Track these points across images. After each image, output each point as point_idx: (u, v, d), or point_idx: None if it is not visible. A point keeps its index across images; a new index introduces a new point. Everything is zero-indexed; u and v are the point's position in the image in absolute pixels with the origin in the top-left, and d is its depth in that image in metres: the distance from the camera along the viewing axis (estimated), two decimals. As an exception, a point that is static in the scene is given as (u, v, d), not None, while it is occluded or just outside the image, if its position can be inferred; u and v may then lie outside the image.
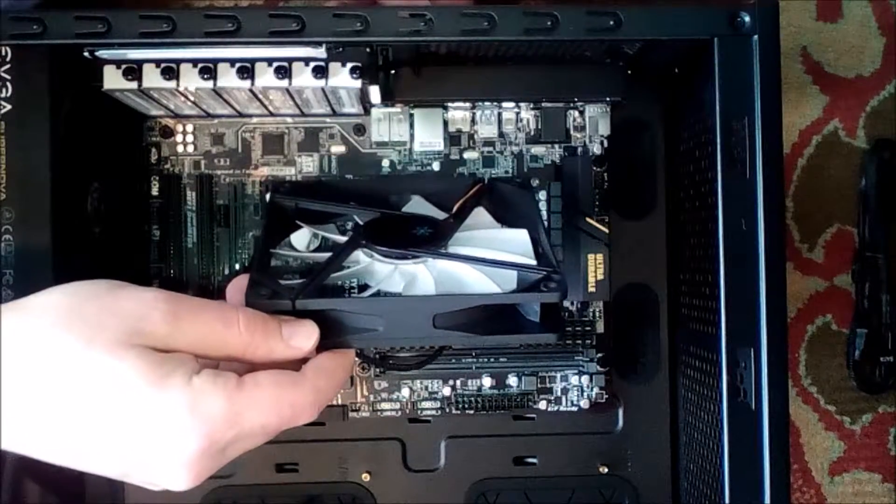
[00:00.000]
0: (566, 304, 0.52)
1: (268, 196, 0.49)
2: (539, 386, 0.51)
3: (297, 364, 0.37)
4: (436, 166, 0.51)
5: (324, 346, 0.37)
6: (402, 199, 0.49)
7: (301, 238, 0.47)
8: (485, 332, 0.39)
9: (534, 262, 0.42)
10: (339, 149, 0.51)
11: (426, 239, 0.43)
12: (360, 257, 0.43)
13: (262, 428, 0.35)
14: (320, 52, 0.41)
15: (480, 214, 0.47)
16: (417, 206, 0.48)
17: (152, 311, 0.33)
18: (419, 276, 0.42)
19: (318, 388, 0.36)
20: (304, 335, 0.37)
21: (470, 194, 0.47)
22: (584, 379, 0.52)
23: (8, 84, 0.41)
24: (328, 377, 0.37)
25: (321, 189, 0.49)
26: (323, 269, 0.41)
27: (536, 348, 0.51)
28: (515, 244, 0.44)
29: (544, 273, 0.40)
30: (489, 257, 0.42)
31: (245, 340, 0.35)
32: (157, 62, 0.41)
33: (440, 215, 0.47)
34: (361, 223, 0.46)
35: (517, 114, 0.51)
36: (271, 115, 0.50)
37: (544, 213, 0.50)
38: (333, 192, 0.48)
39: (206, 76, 0.41)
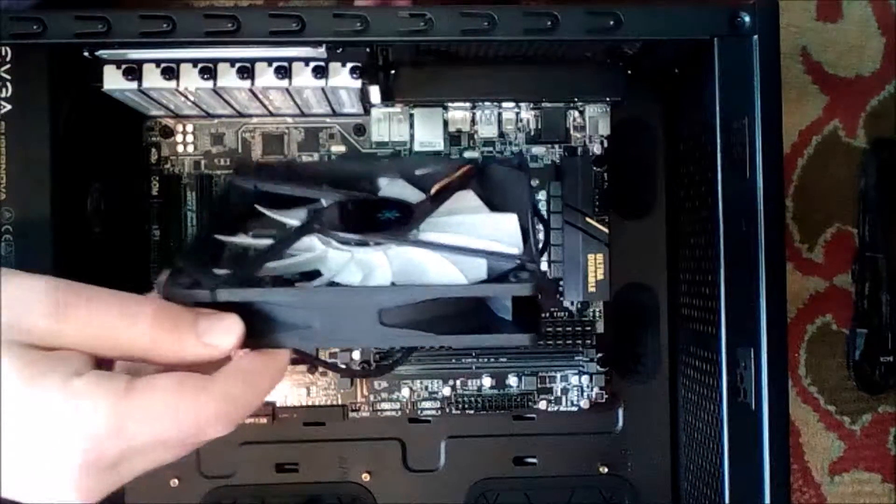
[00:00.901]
0: (566, 303, 0.52)
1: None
2: (539, 386, 0.51)
3: (218, 367, 0.32)
4: (436, 166, 0.51)
5: (251, 345, 0.32)
6: (383, 182, 0.43)
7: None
8: (445, 331, 0.34)
9: (516, 251, 0.36)
10: (339, 149, 0.51)
11: (392, 223, 0.37)
12: (316, 244, 0.37)
13: (158, 442, 0.30)
14: (320, 52, 0.41)
15: (467, 198, 0.42)
16: (397, 188, 0.42)
17: (36, 303, 0.29)
18: (377, 265, 0.36)
19: (231, 395, 0.31)
20: (223, 331, 0.31)
21: (455, 176, 0.41)
22: (584, 379, 0.52)
23: (8, 84, 0.41)
24: (246, 382, 0.31)
25: (292, 172, 0.44)
26: (261, 255, 0.35)
27: (536, 347, 0.51)
28: (501, 231, 0.39)
29: (517, 262, 0.34)
30: (460, 244, 0.36)
31: (151, 337, 0.30)
32: (157, 62, 0.41)
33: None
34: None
35: (517, 114, 0.51)
36: (271, 115, 0.50)
37: (543, 207, 0.50)
38: (306, 175, 0.43)
39: (206, 76, 0.41)
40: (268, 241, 0.37)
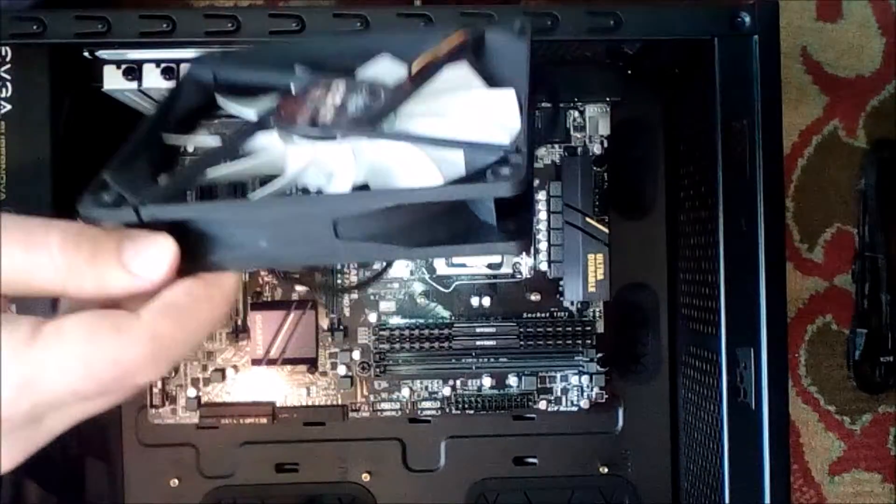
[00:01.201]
0: (566, 303, 0.52)
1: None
2: (539, 386, 0.51)
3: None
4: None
5: (189, 270, 0.27)
6: (364, 65, 0.34)
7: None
8: (413, 242, 0.28)
9: (511, 133, 0.29)
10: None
11: (365, 110, 0.30)
12: (275, 142, 0.30)
13: (76, 394, 0.25)
14: (320, 52, 0.40)
15: (459, 72, 0.33)
16: (378, 67, 0.33)
17: None
18: (342, 165, 0.29)
19: (158, 334, 0.25)
20: (152, 256, 0.26)
21: (441, 48, 0.32)
22: (584, 379, 0.52)
23: (8, 84, 0.41)
24: (179, 317, 0.26)
25: (261, 57, 0.35)
26: (206, 158, 0.29)
27: (536, 348, 0.51)
28: (497, 109, 0.31)
29: (498, 154, 0.27)
30: (435, 133, 0.29)
31: (64, 268, 0.25)
32: (157, 62, 0.41)
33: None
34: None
35: (517, 114, 0.51)
36: (271, 115, 0.50)
37: (543, 208, 0.50)
38: (277, 58, 0.34)
39: (206, 76, 0.41)
40: (216, 140, 0.31)
